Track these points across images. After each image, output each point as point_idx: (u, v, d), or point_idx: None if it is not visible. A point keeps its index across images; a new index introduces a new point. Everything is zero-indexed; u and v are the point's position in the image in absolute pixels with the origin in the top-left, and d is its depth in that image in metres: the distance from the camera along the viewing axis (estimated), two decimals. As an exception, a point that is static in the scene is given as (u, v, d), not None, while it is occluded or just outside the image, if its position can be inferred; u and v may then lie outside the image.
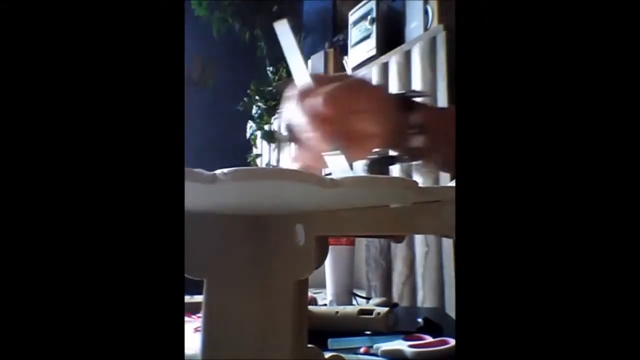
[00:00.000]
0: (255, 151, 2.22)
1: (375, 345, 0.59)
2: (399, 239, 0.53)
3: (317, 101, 0.39)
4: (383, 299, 1.09)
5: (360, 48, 1.48)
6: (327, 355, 0.55)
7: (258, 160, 2.19)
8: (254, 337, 0.38)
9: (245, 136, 2.27)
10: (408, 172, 1.00)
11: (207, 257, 0.38)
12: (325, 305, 0.91)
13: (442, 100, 1.13)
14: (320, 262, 0.37)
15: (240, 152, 2.27)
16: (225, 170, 0.24)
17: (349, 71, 1.57)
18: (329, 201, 0.31)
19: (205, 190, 0.26)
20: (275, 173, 0.26)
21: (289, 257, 0.37)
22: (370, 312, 0.72)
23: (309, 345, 0.41)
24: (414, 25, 1.28)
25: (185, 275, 0.36)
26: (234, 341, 0.38)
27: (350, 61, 1.55)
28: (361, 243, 1.29)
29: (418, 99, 0.45)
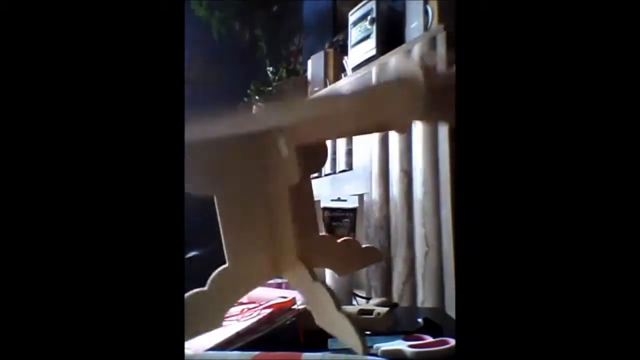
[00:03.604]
0: (255, 151, 2.21)
1: (375, 345, 0.59)
2: (402, 129, 0.55)
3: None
4: (383, 299, 1.09)
5: (360, 48, 1.48)
6: (327, 354, 0.55)
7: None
8: (263, 236, 0.46)
9: (245, 136, 2.27)
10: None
11: (212, 175, 0.45)
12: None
13: (442, 100, 1.12)
14: (318, 165, 0.48)
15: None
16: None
17: (348, 71, 1.57)
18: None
19: None
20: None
21: (278, 167, 0.44)
22: (370, 312, 0.72)
23: (322, 234, 0.50)
24: (414, 25, 1.28)
25: (197, 193, 0.44)
26: (247, 239, 0.46)
27: (350, 61, 1.55)
28: (361, 243, 1.29)
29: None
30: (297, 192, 0.45)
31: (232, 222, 0.45)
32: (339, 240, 0.52)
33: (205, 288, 0.43)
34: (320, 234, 0.50)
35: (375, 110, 0.34)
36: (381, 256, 0.58)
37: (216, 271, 0.44)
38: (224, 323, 0.75)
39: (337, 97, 0.33)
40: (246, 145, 0.47)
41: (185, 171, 0.42)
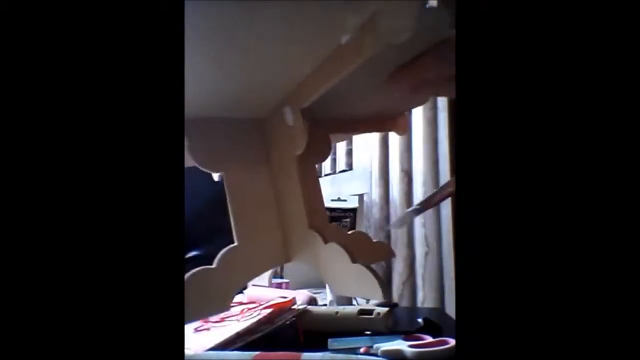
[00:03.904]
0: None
1: (375, 345, 0.59)
2: (401, 130, 0.54)
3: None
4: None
5: (360, 48, 1.47)
6: (327, 354, 0.55)
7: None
8: (273, 211, 0.46)
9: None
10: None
11: (222, 154, 0.45)
12: (325, 305, 0.91)
13: (442, 100, 1.13)
14: (322, 155, 0.47)
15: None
16: None
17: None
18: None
19: None
20: None
21: (284, 138, 0.45)
22: (370, 312, 0.72)
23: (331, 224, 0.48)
24: (414, 25, 1.28)
25: (207, 170, 0.44)
26: (257, 218, 0.46)
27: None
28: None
29: None
30: (304, 175, 0.45)
31: (241, 201, 0.45)
32: (349, 232, 0.51)
33: (213, 265, 0.42)
34: (332, 224, 0.49)
35: (371, 27, 0.33)
36: (392, 252, 0.55)
37: (225, 249, 0.43)
38: (224, 323, 0.75)
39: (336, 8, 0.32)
40: (252, 122, 0.47)
41: (195, 148, 0.43)
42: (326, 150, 0.49)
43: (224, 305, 0.43)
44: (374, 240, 0.52)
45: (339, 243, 0.40)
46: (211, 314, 0.47)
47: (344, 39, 0.34)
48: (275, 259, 0.47)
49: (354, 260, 0.39)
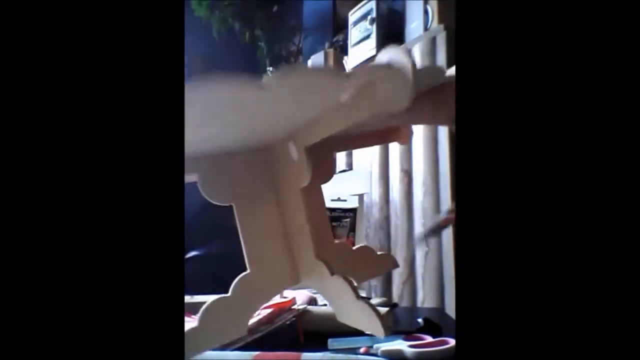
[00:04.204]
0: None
1: (375, 345, 0.59)
2: (403, 140, 0.56)
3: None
4: (383, 299, 1.09)
5: (360, 48, 1.48)
6: (327, 354, 0.55)
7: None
8: (282, 239, 0.48)
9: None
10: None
11: (231, 187, 0.47)
12: (325, 305, 0.91)
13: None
14: (327, 176, 0.49)
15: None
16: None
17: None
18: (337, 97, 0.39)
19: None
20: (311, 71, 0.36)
21: (289, 171, 0.46)
22: (370, 312, 0.72)
23: (336, 241, 0.50)
24: (414, 25, 1.28)
25: (216, 202, 0.46)
26: (267, 245, 0.48)
27: (350, 61, 1.55)
28: (361, 243, 1.29)
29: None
30: (309, 201, 0.47)
31: (251, 230, 0.47)
32: (354, 248, 0.52)
33: (229, 294, 0.45)
34: (336, 241, 0.51)
35: (369, 93, 0.34)
36: (396, 262, 0.58)
37: (238, 278, 0.45)
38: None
39: (336, 72, 0.34)
40: (258, 153, 0.49)
41: (206, 182, 0.46)
42: (331, 170, 0.51)
43: (243, 330, 0.45)
44: (379, 253, 0.55)
45: (344, 276, 0.43)
46: (231, 340, 0.50)
47: (344, 97, 0.36)
48: (286, 282, 0.49)
49: (357, 297, 0.41)
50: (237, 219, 0.47)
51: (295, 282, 0.49)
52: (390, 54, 0.35)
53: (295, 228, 0.48)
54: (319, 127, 0.41)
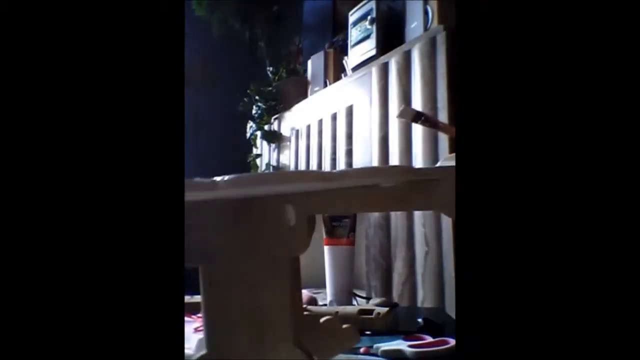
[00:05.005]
0: (255, 151, 2.22)
1: (375, 345, 0.59)
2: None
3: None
4: (383, 299, 1.09)
5: (360, 48, 1.48)
6: (323, 319, 0.55)
7: (258, 160, 2.19)
8: (252, 316, 0.38)
9: (245, 136, 2.27)
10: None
11: (203, 245, 0.38)
12: (325, 305, 0.91)
13: (442, 100, 1.13)
14: (310, 239, 0.39)
15: (240, 152, 2.27)
16: (226, 177, 0.25)
17: (348, 71, 1.57)
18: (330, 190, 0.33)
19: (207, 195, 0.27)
20: (278, 177, 0.26)
21: (282, 238, 0.38)
22: (370, 312, 0.72)
23: (305, 313, 0.43)
24: (414, 26, 1.28)
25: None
26: (233, 321, 0.39)
27: (350, 61, 1.55)
28: (361, 243, 1.29)
29: None
30: (291, 277, 0.39)
31: (216, 299, 0.38)
32: (321, 320, 0.46)
33: None
34: (304, 313, 0.43)
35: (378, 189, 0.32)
36: (358, 337, 0.52)
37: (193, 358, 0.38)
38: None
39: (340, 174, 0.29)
40: (241, 210, 0.39)
41: None
42: (310, 235, 0.40)
43: None
44: (344, 326, 0.48)
45: None
46: None
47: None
48: None
49: None
50: (200, 283, 0.38)
51: None
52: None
53: (273, 302, 0.38)
54: (332, 204, 0.36)
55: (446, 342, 0.59)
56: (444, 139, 1.09)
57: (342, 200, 0.36)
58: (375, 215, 1.31)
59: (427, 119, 0.60)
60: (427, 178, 0.32)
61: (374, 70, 1.39)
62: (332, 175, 0.27)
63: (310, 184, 0.27)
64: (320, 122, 1.69)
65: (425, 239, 1.13)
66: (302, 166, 1.78)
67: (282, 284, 0.38)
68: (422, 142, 1.15)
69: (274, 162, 2.06)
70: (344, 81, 1.59)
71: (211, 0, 2.19)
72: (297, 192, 0.37)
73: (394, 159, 1.26)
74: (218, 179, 0.25)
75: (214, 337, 0.38)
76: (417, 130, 1.16)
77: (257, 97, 2.12)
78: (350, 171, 0.29)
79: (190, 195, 0.25)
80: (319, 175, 0.27)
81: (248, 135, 2.25)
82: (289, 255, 0.38)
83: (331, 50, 1.77)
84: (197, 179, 0.25)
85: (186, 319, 0.68)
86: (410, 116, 0.62)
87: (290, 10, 2.22)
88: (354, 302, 0.96)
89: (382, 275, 1.26)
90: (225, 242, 0.38)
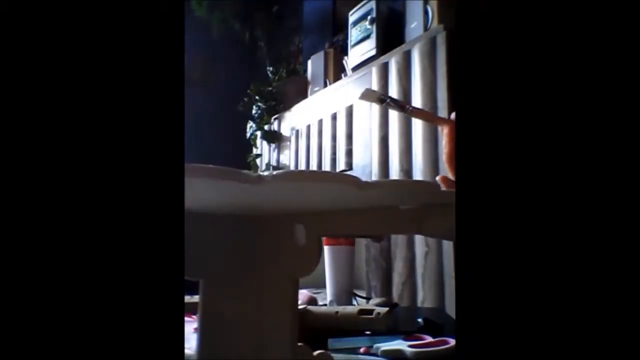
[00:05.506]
0: (255, 151, 2.22)
1: (375, 345, 0.59)
2: (378, 239, 0.54)
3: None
4: (383, 299, 1.09)
5: (360, 48, 1.48)
6: (317, 352, 0.55)
7: (258, 161, 2.19)
8: (250, 336, 0.38)
9: (245, 136, 2.27)
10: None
11: (205, 258, 0.37)
12: (325, 305, 0.91)
13: (442, 100, 1.13)
14: (318, 260, 0.38)
15: (240, 153, 2.27)
16: (273, 172, 0.26)
17: (348, 71, 1.57)
18: (358, 202, 0.33)
19: (251, 191, 0.27)
20: (317, 176, 0.28)
21: (289, 257, 0.37)
22: (370, 312, 0.72)
23: (299, 344, 0.41)
24: (414, 25, 1.28)
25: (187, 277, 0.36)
26: (229, 340, 0.38)
27: (350, 61, 1.55)
28: (361, 243, 1.29)
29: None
30: (293, 292, 0.38)
31: (213, 316, 0.38)
32: (315, 353, 0.45)
33: None
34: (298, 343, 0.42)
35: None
36: None
37: None
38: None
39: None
40: (248, 225, 0.39)
41: None
42: (319, 255, 0.39)
43: None
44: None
45: None
46: None
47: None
48: None
49: None
50: (200, 295, 0.37)
51: None
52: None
53: (273, 324, 0.38)
54: (341, 222, 0.35)
55: (446, 342, 0.59)
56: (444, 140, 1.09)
57: (354, 221, 0.35)
58: (375, 215, 1.31)
59: (393, 101, 0.59)
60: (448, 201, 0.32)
61: (374, 70, 1.39)
62: (367, 184, 0.28)
63: (347, 187, 0.27)
64: (320, 122, 1.69)
65: (425, 239, 1.13)
66: (302, 166, 1.78)
67: (285, 301, 0.37)
68: (422, 142, 1.15)
69: (274, 162, 2.07)
70: (344, 81, 1.59)
71: (211, 0, 2.19)
72: (307, 212, 0.37)
73: (394, 159, 1.26)
74: (265, 173, 0.25)
75: (208, 345, 0.38)
76: (417, 130, 1.16)
77: (257, 97, 2.12)
78: (382, 182, 0.29)
79: (235, 188, 0.25)
80: (356, 181, 0.27)
81: (248, 135, 2.25)
82: (295, 276, 0.37)
83: (331, 50, 1.77)
84: (245, 171, 0.25)
85: (186, 319, 0.68)
86: (374, 98, 0.61)
87: (290, 10, 2.22)
88: (354, 302, 0.96)
89: (382, 275, 1.26)
90: (232, 258, 0.38)
